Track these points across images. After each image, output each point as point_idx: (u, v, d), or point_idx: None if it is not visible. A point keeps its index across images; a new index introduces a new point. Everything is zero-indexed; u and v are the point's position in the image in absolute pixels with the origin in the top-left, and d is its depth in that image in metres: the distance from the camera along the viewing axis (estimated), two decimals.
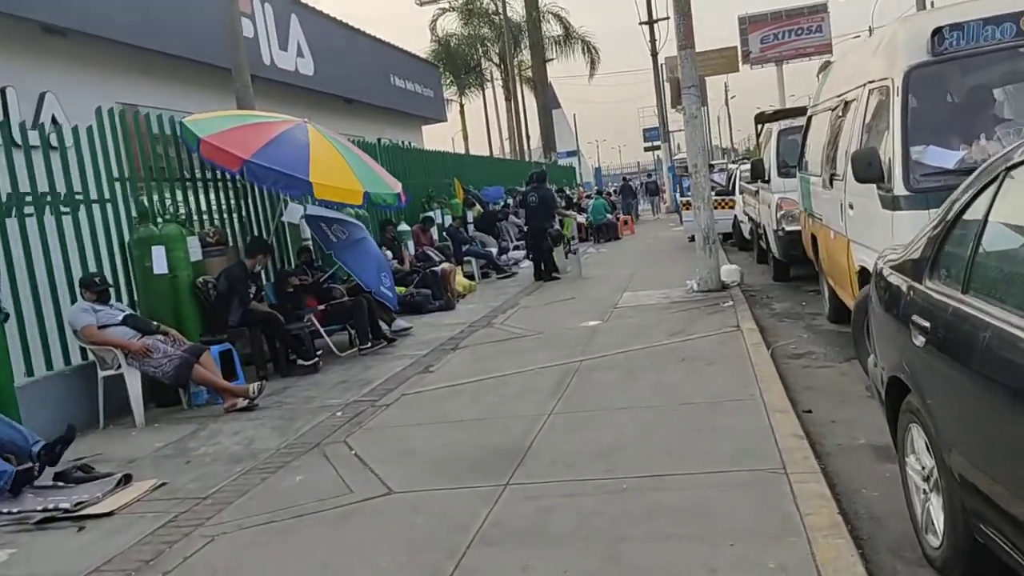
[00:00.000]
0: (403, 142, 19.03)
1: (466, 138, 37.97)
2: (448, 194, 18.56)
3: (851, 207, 6.61)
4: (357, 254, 10.03)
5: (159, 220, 8.19)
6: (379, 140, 17.96)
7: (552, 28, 35.72)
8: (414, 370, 8.29)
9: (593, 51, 35.74)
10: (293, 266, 10.82)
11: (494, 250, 17.56)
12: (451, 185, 18.90)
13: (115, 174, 8.12)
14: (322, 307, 9.52)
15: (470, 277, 16.00)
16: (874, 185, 5.67)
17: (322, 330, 9.35)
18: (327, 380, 8.26)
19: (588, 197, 27.30)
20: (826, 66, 9.11)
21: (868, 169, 5.53)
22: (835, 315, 8.45)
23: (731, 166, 23.18)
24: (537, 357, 8.16)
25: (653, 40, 36.15)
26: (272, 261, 10.18)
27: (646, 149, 44.61)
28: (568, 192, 28.62)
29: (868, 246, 5.91)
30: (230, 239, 9.66)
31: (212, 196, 9.69)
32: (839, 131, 7.33)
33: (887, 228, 5.47)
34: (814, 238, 8.81)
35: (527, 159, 37.25)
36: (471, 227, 17.74)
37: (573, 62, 43.95)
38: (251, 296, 8.66)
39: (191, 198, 9.23)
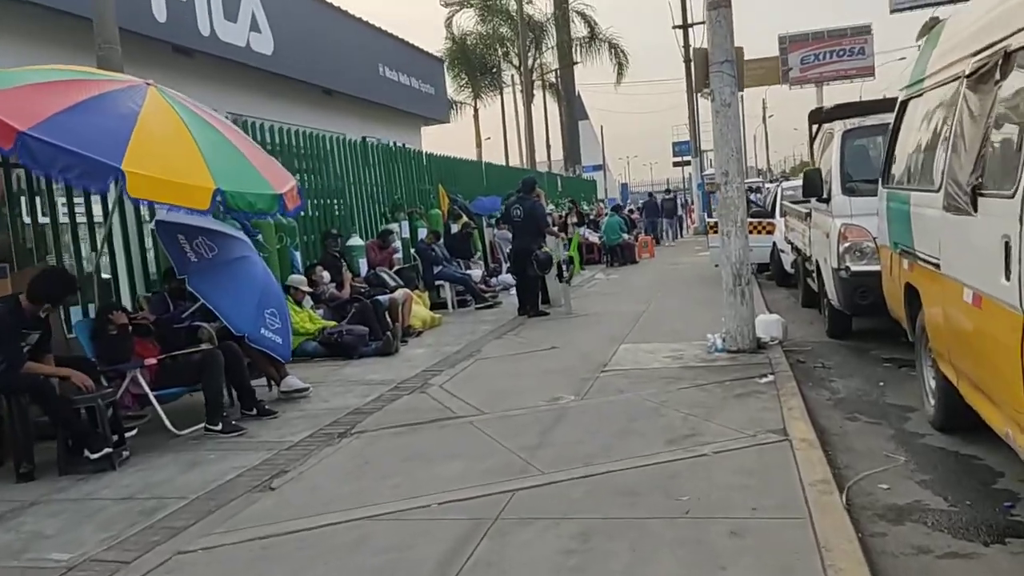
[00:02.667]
0: (393, 143, 15.87)
1: (480, 144, 34.88)
2: (429, 203, 15.35)
3: None
4: (225, 281, 6.82)
5: None
6: (363, 139, 14.87)
7: (576, 28, 32.48)
8: (252, 481, 5.04)
9: (621, 54, 32.44)
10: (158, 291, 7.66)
11: (477, 272, 14.29)
12: (433, 193, 15.68)
13: None
14: (153, 360, 6.30)
15: (441, 306, 12.76)
16: None
17: (152, 395, 6.15)
18: (111, 489, 5.05)
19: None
20: (934, 24, 5.75)
21: None
22: (946, 420, 5.11)
23: (768, 185, 19.70)
24: (450, 472, 4.88)
25: (687, 46, 32.78)
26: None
27: (675, 164, 41.20)
28: (583, 208, 25.22)
29: None
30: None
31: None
32: (983, 114, 4.01)
33: None
34: (912, 290, 5.46)
35: (548, 170, 34.01)
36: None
37: (599, 66, 40.69)
38: (23, 351, 5.49)
39: None
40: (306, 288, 9.24)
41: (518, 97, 32.04)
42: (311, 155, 12.19)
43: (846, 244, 7.78)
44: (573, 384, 6.99)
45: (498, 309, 12.67)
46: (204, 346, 6.64)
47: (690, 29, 32.19)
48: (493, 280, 14.71)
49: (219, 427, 6.16)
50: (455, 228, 15.32)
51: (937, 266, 4.67)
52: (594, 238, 21.37)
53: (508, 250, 13.46)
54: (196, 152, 5.93)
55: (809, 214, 9.41)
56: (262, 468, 5.29)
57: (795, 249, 11.65)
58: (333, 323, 9.48)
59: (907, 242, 5.48)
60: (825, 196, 8.27)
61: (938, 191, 4.64)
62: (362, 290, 10.61)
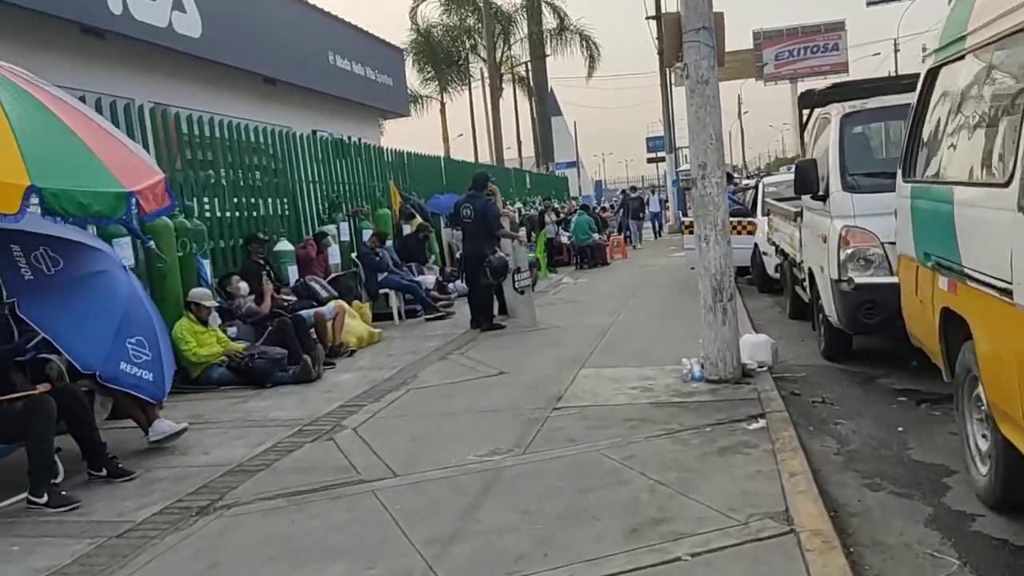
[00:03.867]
0: (347, 137, 14.39)
1: (447, 139, 33.36)
2: (378, 201, 13.85)
3: None
4: (69, 304, 5.31)
5: None
6: (313, 132, 13.38)
7: (546, 20, 31.00)
8: None
9: (592, 46, 31.02)
10: None
11: (430, 278, 12.83)
12: (383, 190, 14.19)
13: None
14: None
15: (384, 317, 11.29)
16: None
17: None
18: None
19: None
20: None
21: None
22: (1007, 495, 3.72)
23: (747, 181, 18.40)
24: None
25: (661, 38, 31.41)
26: None
27: (649, 160, 39.80)
28: (557, 205, 23.80)
29: None
30: None
31: None
32: None
33: None
34: (953, 318, 4.06)
35: (519, 167, 32.55)
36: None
37: (571, 59, 39.12)
38: None
39: None
40: (209, 303, 7.74)
41: (487, 91, 30.52)
42: (247, 149, 10.73)
43: (848, 250, 6.39)
44: (516, 428, 5.54)
45: (450, 320, 11.21)
46: (40, 388, 5.13)
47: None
48: (450, 286, 13.25)
49: (44, 499, 4.66)
50: (408, 229, 13.87)
51: (1007, 292, 3.27)
52: (563, 238, 19.96)
53: (459, 254, 12.01)
54: (8, 138, 4.43)
55: (800, 213, 8.02)
56: (71, 572, 3.81)
57: (780, 252, 10.28)
58: (242, 345, 7.98)
59: (947, 254, 4.07)
60: (821, 193, 6.87)
61: (1007, 184, 3.24)
62: (285, 303, 9.10)
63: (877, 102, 7.16)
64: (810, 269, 7.58)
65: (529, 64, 32.56)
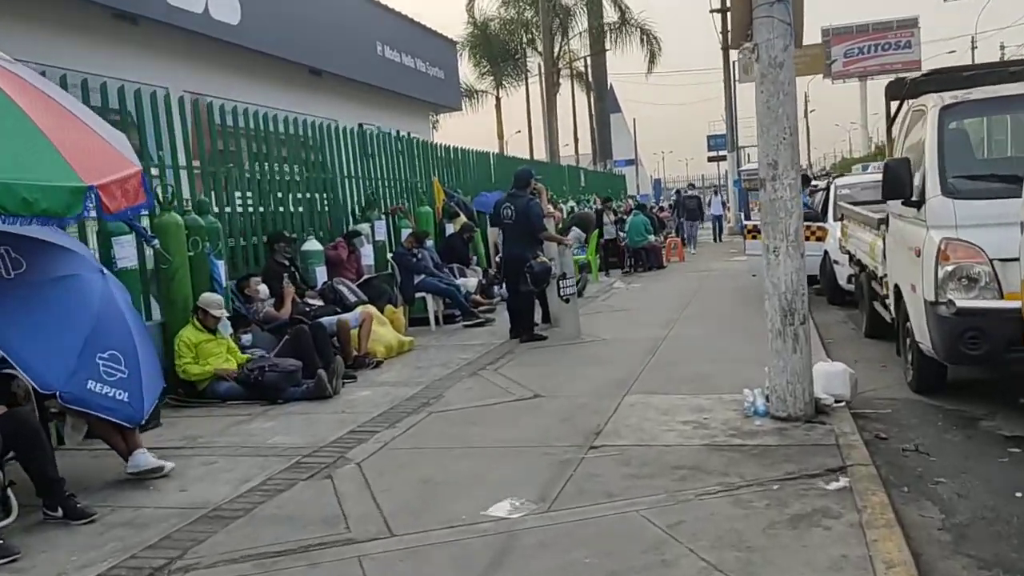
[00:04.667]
0: (396, 131, 13.66)
1: (501, 135, 32.44)
2: (420, 199, 13.05)
3: None
4: (26, 312, 4.56)
5: None
6: (360, 126, 12.70)
7: (607, 13, 29.86)
8: None
9: (653, 41, 29.79)
10: None
11: (472, 281, 11.97)
12: (425, 187, 13.38)
13: None
14: None
15: (422, 321, 10.49)
16: None
17: None
18: None
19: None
20: None
21: None
22: None
23: (815, 181, 17.18)
24: None
25: (725, 32, 30.08)
26: None
27: (710, 159, 38.38)
28: (615, 204, 22.40)
29: None
30: None
31: None
32: None
33: None
34: None
35: (575, 164, 31.54)
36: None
37: (630, 54, 37.66)
38: None
39: None
40: (217, 312, 6.98)
41: (543, 87, 29.51)
42: (285, 142, 10.10)
43: (948, 267, 5.34)
44: (544, 472, 4.64)
45: (490, 328, 10.34)
46: None
47: (728, 14, 29.47)
48: (495, 289, 12.39)
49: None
50: (451, 229, 13.03)
51: None
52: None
53: (498, 257, 11.14)
54: None
55: (885, 221, 6.94)
56: None
57: (856, 262, 9.17)
58: (247, 356, 7.21)
59: None
60: (915, 198, 5.81)
61: None
62: (308, 308, 8.33)
63: (982, 92, 6.05)
64: (896, 286, 6.51)
65: (588, 59, 31.47)
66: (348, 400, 6.89)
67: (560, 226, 19.33)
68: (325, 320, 8.04)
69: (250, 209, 9.58)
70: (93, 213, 4.33)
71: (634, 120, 48.42)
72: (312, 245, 9.54)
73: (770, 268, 5.43)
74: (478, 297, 11.83)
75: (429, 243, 11.99)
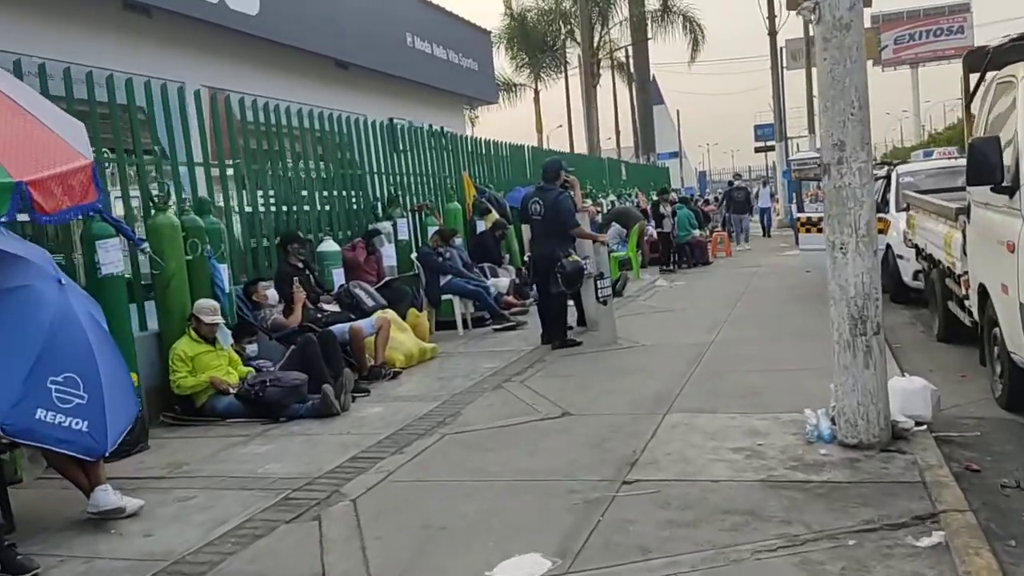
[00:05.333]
0: (428, 125, 13.04)
1: (540, 129, 31.59)
2: (449, 194, 12.32)
3: None
4: None
5: None
6: (390, 120, 12.09)
7: (648, 1, 28.80)
8: None
9: (697, 28, 28.67)
10: None
11: (504, 281, 11.22)
12: (454, 182, 12.65)
13: None
14: None
15: (450, 325, 9.78)
16: None
17: None
18: None
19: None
20: None
21: None
22: None
23: (874, 171, 16.06)
24: None
25: (772, 17, 28.95)
26: None
27: (757, 150, 37.06)
28: (675, 194, 20.88)
29: None
30: None
31: None
32: None
33: None
34: None
35: (616, 157, 30.62)
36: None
37: (673, 43, 36.37)
38: None
39: None
40: (211, 318, 6.33)
41: (583, 77, 28.56)
42: (306, 137, 9.56)
43: None
44: (566, 517, 3.87)
45: (521, 332, 9.59)
46: None
47: None
48: (530, 290, 11.60)
49: None
50: (482, 226, 12.29)
51: None
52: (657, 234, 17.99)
53: (527, 257, 10.36)
54: None
55: (965, 210, 6.02)
56: None
57: (926, 257, 8.22)
58: (249, 370, 6.55)
59: None
60: (1007, 183, 4.90)
61: None
62: (319, 316, 7.65)
63: None
64: (982, 285, 5.59)
65: (629, 48, 30.45)
66: (357, 418, 6.18)
67: (600, 222, 18.57)
68: (336, 328, 7.36)
69: (272, 208, 9.07)
70: (26, 216, 3.65)
71: (677, 112, 47.21)
72: (329, 246, 8.88)
73: (836, 268, 4.58)
74: (511, 298, 11.10)
75: (458, 241, 11.28)
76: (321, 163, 9.97)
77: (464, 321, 10.05)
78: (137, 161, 7.17)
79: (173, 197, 7.11)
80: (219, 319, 6.40)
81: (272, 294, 7.58)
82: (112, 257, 6.07)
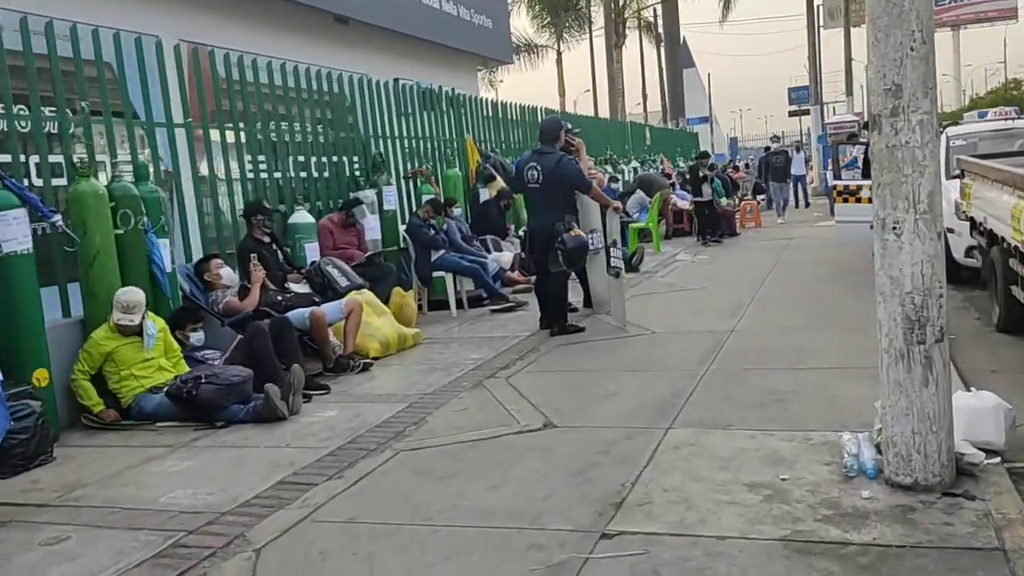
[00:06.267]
0: (435, 87, 12.02)
1: (563, 92, 30.26)
2: (448, 160, 11.24)
3: None
4: None
5: None
6: (395, 81, 11.08)
7: None
8: None
9: None
10: None
11: (507, 255, 10.19)
12: (453, 148, 11.57)
13: None
14: None
15: (442, 305, 8.80)
16: None
17: None
18: None
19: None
20: None
21: None
22: None
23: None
24: None
25: None
26: None
27: (791, 114, 35.44)
28: (711, 160, 18.68)
29: None
30: None
31: None
32: None
33: None
34: None
35: (644, 122, 29.22)
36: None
37: (702, 1, 34.54)
38: None
39: None
40: (123, 319, 5.37)
41: (612, 40, 27.19)
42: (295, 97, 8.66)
43: None
44: None
45: (520, 314, 8.57)
46: None
47: None
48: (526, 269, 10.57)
49: None
50: (486, 195, 11.24)
51: None
52: (685, 203, 16.85)
53: (522, 231, 9.32)
54: None
55: None
56: None
57: (984, 232, 7.05)
58: (177, 370, 5.59)
59: None
60: None
61: None
62: (280, 298, 6.66)
63: None
64: None
65: (658, 7, 28.95)
66: (304, 424, 5.21)
67: (618, 190, 17.38)
68: (295, 314, 6.38)
69: (263, 175, 8.23)
70: None
71: (708, 75, 45.47)
72: (301, 217, 7.89)
73: (887, 254, 3.48)
74: (514, 274, 10.08)
75: (457, 211, 10.26)
76: (319, 127, 9.06)
77: (459, 301, 9.05)
78: (106, 122, 6.27)
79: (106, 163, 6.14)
80: (132, 319, 5.39)
81: (227, 273, 6.61)
82: (15, 232, 5.13)
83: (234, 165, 7.70)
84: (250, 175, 7.99)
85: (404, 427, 4.94)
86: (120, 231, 5.80)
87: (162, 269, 6.02)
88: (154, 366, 5.51)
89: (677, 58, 32.16)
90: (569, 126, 8.23)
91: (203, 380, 5.32)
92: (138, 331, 5.45)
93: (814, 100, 29.10)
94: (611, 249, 7.53)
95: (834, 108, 30.73)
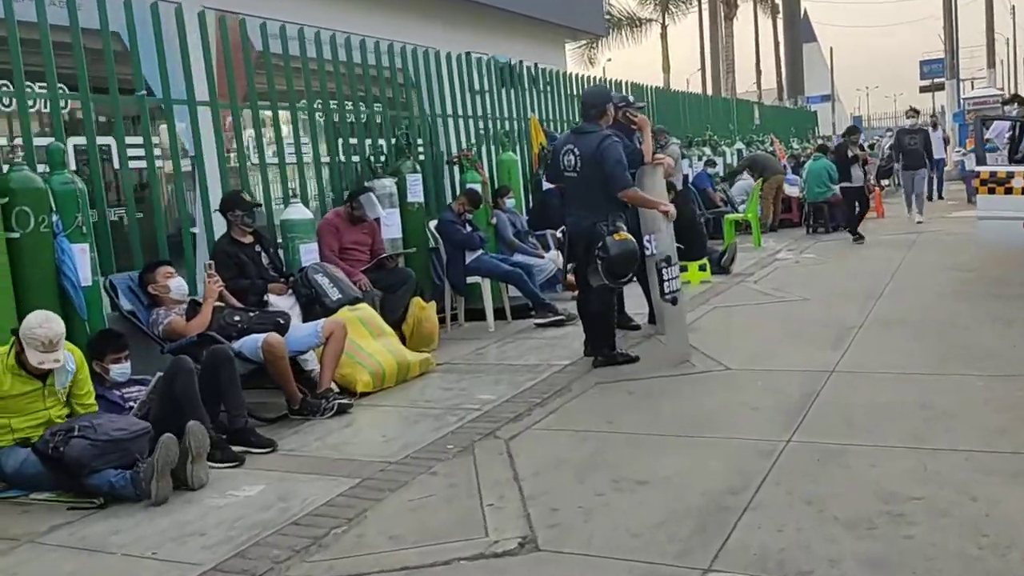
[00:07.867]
0: (514, 61, 10.54)
1: (667, 68, 27.88)
2: (503, 143, 9.54)
3: None
4: None
5: None
6: (467, 55, 9.63)
7: None
8: None
9: None
10: None
11: (553, 257, 8.44)
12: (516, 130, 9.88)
13: None
14: None
15: (480, 315, 7.23)
16: None
17: None
18: None
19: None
20: None
21: None
22: None
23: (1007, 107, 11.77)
24: None
25: None
26: None
27: (922, 90, 31.87)
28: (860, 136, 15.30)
29: None
30: None
31: None
32: None
33: None
34: None
35: (759, 100, 26.70)
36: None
37: None
38: None
39: None
40: (42, 360, 3.93)
41: (719, 12, 24.86)
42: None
43: None
44: None
45: (569, 331, 6.84)
46: None
47: None
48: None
49: None
50: (547, 184, 9.50)
51: None
52: (793, 191, 14.63)
53: (559, 232, 7.56)
54: None
55: None
56: None
57: None
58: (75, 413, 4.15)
59: None
60: None
61: None
62: (236, 320, 5.17)
63: None
64: None
65: None
66: (195, 514, 3.68)
67: (727, 171, 15.27)
68: (249, 341, 4.89)
69: (306, 159, 7.29)
70: None
71: (831, 49, 42.04)
72: (295, 213, 6.39)
73: None
74: (573, 278, 8.31)
75: (510, 203, 8.61)
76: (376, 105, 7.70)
77: (505, 311, 7.46)
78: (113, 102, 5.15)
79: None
80: (57, 358, 3.97)
81: (176, 284, 5.19)
82: None
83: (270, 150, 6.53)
84: (290, 159, 6.96)
85: (328, 530, 3.37)
86: (15, 234, 4.45)
87: (75, 283, 4.62)
88: (42, 418, 4.11)
89: (797, 31, 29.45)
90: (631, 99, 6.44)
91: (75, 433, 3.88)
92: (43, 376, 4.06)
93: (950, 74, 25.82)
94: (663, 269, 5.71)
95: (972, 83, 27.26)
